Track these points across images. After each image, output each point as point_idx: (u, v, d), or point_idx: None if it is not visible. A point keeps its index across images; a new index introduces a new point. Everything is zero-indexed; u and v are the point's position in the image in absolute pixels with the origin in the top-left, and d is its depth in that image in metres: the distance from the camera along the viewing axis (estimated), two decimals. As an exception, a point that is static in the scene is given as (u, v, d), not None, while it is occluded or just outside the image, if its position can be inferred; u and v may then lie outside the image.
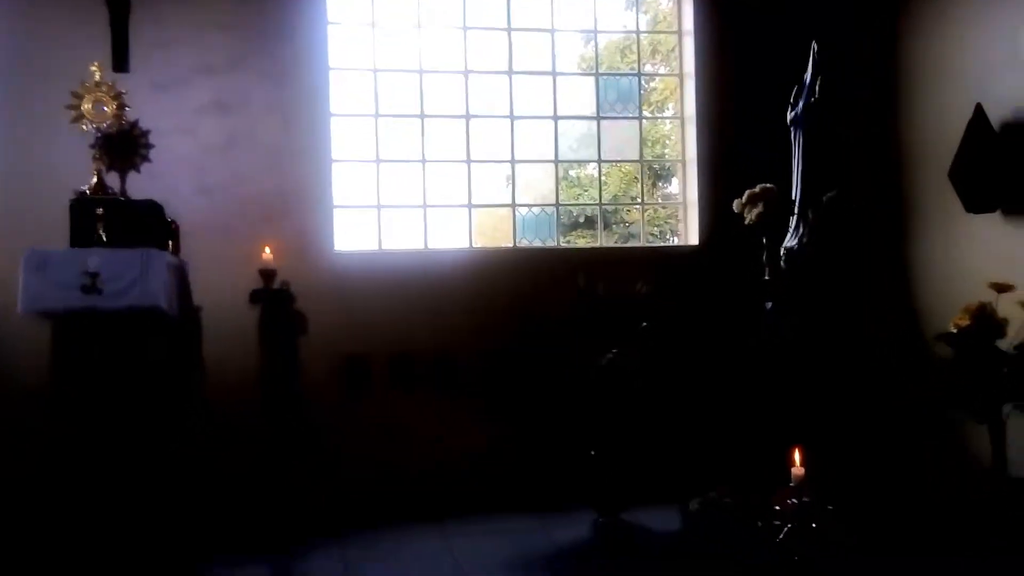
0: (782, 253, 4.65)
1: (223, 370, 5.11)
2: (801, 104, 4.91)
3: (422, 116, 5.65)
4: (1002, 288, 4.54)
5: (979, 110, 4.82)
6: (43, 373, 4.82)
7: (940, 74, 5.31)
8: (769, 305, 4.62)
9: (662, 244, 5.94)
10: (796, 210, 4.74)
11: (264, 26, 5.34)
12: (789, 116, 4.97)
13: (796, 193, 4.82)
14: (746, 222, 4.76)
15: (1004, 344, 4.51)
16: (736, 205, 4.80)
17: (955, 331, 4.61)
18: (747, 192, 4.77)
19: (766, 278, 4.62)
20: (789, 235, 4.73)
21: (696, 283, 5.55)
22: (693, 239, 5.78)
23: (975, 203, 4.92)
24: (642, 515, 4.53)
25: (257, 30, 5.33)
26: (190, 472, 4.87)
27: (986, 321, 4.51)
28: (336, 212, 5.45)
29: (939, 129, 5.22)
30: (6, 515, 4.75)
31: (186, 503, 4.73)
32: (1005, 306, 4.50)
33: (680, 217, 5.93)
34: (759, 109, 5.45)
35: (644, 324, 4.64)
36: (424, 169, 5.64)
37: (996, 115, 4.79)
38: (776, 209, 4.68)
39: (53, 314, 4.79)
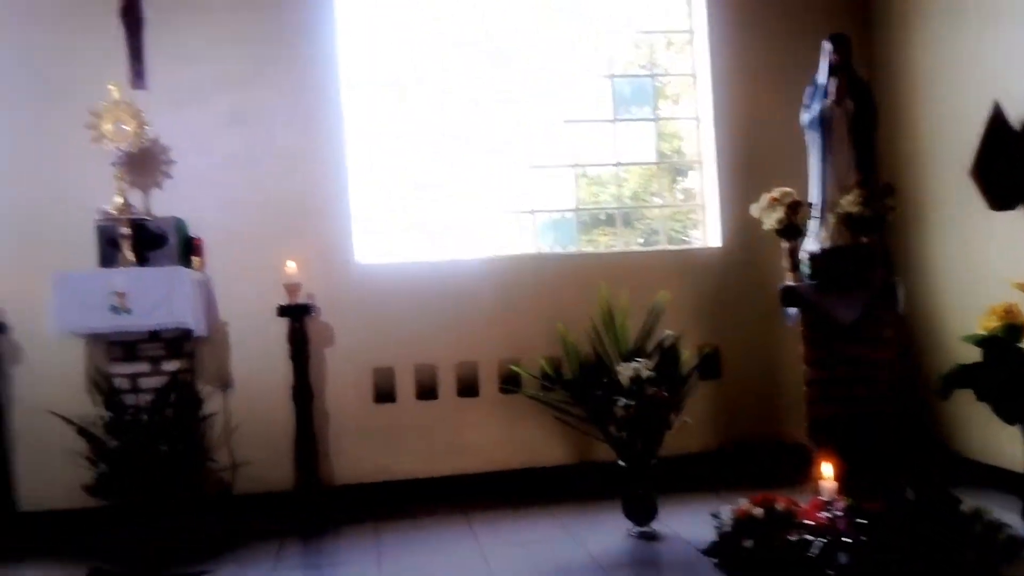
0: (804, 258, 4.67)
1: (252, 384, 5.19)
2: (816, 106, 4.89)
3: (439, 124, 5.66)
4: (1027, 288, 4.55)
5: (997, 108, 4.82)
6: (76, 392, 4.94)
7: (956, 72, 5.28)
8: (793, 311, 4.65)
9: (685, 247, 5.93)
10: (816, 213, 4.74)
11: (280, 37, 5.32)
12: (804, 118, 4.95)
13: (815, 196, 4.82)
14: (765, 227, 4.76)
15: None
16: (754, 209, 4.81)
17: (984, 333, 4.62)
18: (765, 196, 4.78)
19: (788, 283, 4.64)
20: (810, 239, 4.74)
21: (719, 286, 5.63)
22: (715, 241, 5.80)
23: (997, 200, 4.93)
24: (675, 524, 4.58)
25: (273, 41, 5.32)
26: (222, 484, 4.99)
27: (1013, 323, 4.52)
28: (358, 223, 5.47)
29: (957, 127, 5.21)
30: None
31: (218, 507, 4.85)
32: (1029, 306, 4.51)
33: (700, 218, 5.95)
34: (774, 109, 5.48)
35: (667, 333, 4.68)
36: (442, 178, 5.67)
37: (1015, 112, 4.78)
38: (795, 214, 4.69)
39: (84, 334, 4.91)
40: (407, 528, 4.87)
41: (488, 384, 5.47)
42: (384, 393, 5.38)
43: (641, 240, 5.98)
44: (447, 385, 5.44)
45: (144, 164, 5.13)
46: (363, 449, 5.32)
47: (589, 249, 5.87)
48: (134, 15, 5.18)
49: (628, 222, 5.96)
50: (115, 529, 4.52)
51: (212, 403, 5.05)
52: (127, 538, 4.49)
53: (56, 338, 4.79)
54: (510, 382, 5.37)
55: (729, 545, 3.94)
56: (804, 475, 4.38)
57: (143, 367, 4.87)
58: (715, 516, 4.14)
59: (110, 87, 4.93)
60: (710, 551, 4.09)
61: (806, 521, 3.71)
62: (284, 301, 5.07)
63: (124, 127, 4.95)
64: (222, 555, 4.49)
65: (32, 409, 4.95)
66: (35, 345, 5.01)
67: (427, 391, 5.42)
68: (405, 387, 5.40)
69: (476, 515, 5.02)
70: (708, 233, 5.87)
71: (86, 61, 5.13)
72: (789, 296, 4.64)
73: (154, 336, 4.82)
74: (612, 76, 5.90)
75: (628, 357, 4.61)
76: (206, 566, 4.33)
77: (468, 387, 5.45)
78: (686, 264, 5.68)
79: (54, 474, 4.87)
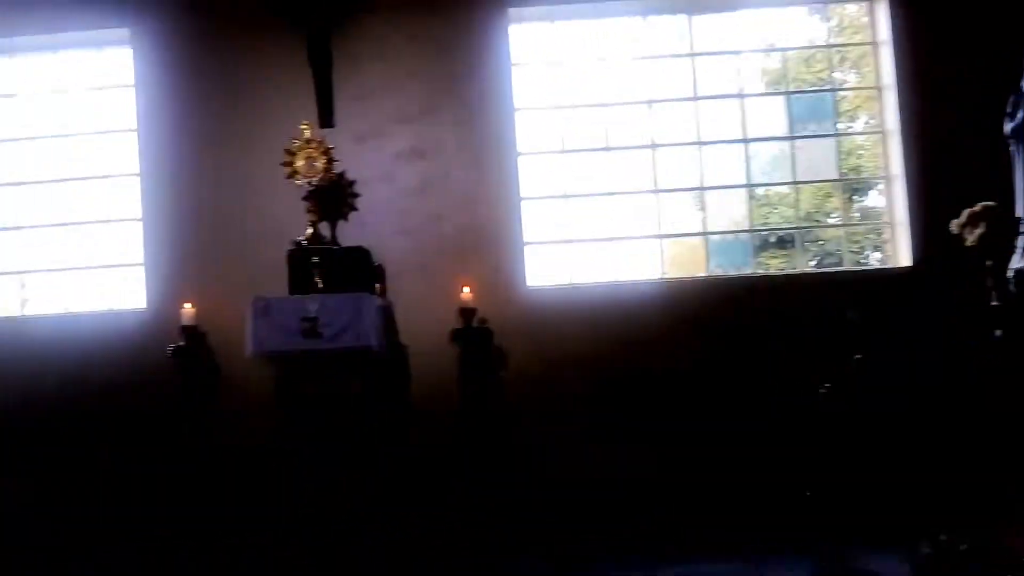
0: (1011, 276, 4.29)
1: (430, 404, 5.33)
2: (1021, 114, 4.52)
3: (607, 149, 5.69)
4: None
5: None
6: (268, 409, 5.25)
7: None
8: (998, 334, 4.27)
9: (869, 267, 5.66)
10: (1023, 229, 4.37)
11: (454, 72, 5.55)
12: (1008, 127, 4.58)
13: (1021, 210, 4.44)
14: (967, 243, 4.43)
15: None
16: (954, 225, 4.47)
17: None
18: (966, 211, 4.44)
19: (993, 304, 4.28)
20: (1017, 256, 4.36)
21: (910, 308, 5.26)
22: (904, 260, 5.46)
23: None
24: (867, 560, 4.28)
25: (448, 77, 5.55)
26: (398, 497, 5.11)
27: None
28: (528, 248, 5.56)
29: None
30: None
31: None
32: None
33: (888, 237, 5.63)
34: (970, 119, 5.12)
35: (856, 356, 4.43)
36: (610, 201, 5.68)
37: None
38: (1001, 229, 4.33)
39: (277, 356, 5.21)
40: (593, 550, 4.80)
41: (659, 407, 5.34)
42: (553, 415, 5.38)
43: (813, 263, 5.73)
44: (616, 408, 5.37)
45: (332, 197, 5.40)
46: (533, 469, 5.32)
47: (762, 271, 5.68)
48: (321, 57, 5.53)
49: (799, 244, 5.73)
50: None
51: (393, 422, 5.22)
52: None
53: (252, 359, 5.11)
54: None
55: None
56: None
57: (330, 387, 5.12)
58: (917, 551, 3.85)
59: (302, 126, 5.25)
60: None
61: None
62: (459, 325, 5.19)
63: (314, 163, 5.25)
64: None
65: (229, 423, 5.30)
66: (232, 366, 5.37)
67: (598, 413, 5.37)
68: (575, 409, 5.38)
69: (648, 541, 4.88)
70: (898, 252, 5.55)
71: (279, 102, 5.52)
72: (995, 317, 4.28)
73: (341, 358, 5.04)
74: (788, 92, 5.73)
75: (818, 379, 4.39)
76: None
77: (641, 410, 5.36)
78: (871, 285, 5.38)
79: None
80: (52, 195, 5.75)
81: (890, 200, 5.59)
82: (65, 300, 5.70)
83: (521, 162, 5.58)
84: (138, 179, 5.58)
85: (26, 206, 5.73)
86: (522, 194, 5.55)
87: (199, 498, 5.25)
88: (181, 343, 5.23)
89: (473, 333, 5.20)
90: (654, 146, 5.68)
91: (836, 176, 5.74)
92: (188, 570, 4.80)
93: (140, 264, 5.63)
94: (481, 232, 5.47)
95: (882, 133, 5.63)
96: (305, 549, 4.69)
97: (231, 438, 5.26)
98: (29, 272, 5.75)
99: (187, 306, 5.25)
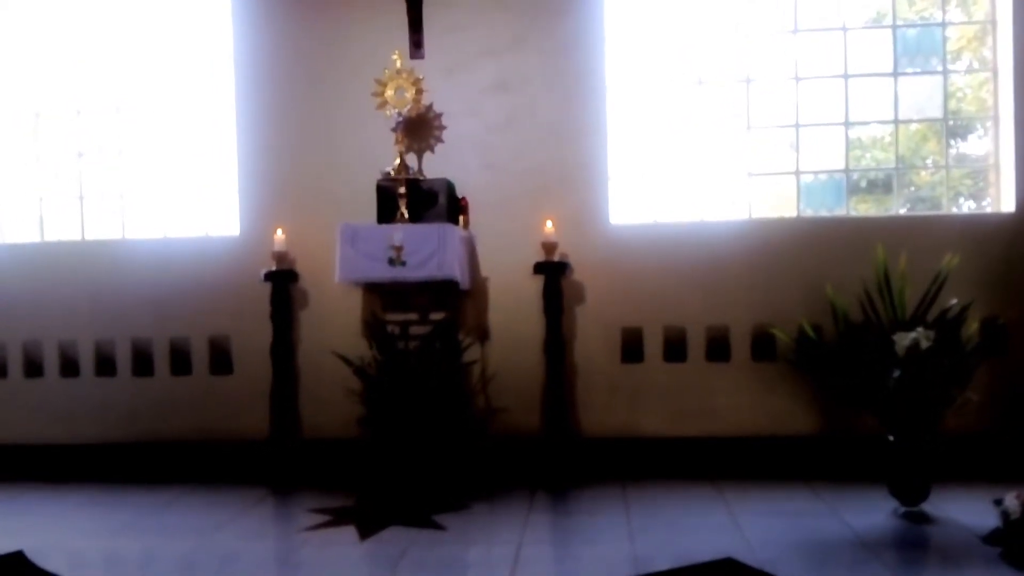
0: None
1: (508, 336, 5.42)
2: None
3: (700, 83, 5.55)
4: None
5: None
6: (353, 336, 5.43)
7: None
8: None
9: (971, 212, 5.43)
10: None
11: (543, 2, 5.45)
12: None
13: None
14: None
15: None
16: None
17: None
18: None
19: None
20: None
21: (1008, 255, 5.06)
22: (1008, 206, 5.21)
23: None
24: (948, 507, 4.22)
25: (537, 7, 5.45)
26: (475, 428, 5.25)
27: None
28: (613, 184, 5.51)
29: None
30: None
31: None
32: None
33: (992, 180, 5.37)
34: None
35: (953, 302, 4.29)
36: (700, 138, 5.55)
37: None
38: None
39: (362, 283, 5.36)
40: (653, 486, 4.89)
41: (739, 348, 5.34)
42: (632, 352, 5.41)
43: (903, 210, 5.51)
44: (696, 348, 5.37)
45: (419, 129, 5.48)
46: (610, 405, 5.40)
47: (855, 213, 5.50)
48: (415, -13, 5.49)
49: (889, 188, 5.51)
50: (383, 461, 4.93)
51: (472, 352, 5.34)
52: (393, 470, 4.89)
53: (338, 286, 5.27)
54: (765, 346, 5.20)
55: (1018, 534, 3.59)
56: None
57: (413, 316, 5.28)
58: (998, 503, 3.79)
59: (394, 56, 5.28)
60: (992, 539, 3.75)
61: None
62: (540, 259, 5.22)
63: (404, 93, 5.29)
64: (478, 495, 4.76)
65: (315, 349, 5.51)
66: (320, 292, 5.55)
67: (675, 353, 5.38)
68: (653, 348, 5.40)
69: (724, 480, 4.94)
70: (1001, 197, 5.29)
71: (372, 33, 5.52)
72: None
73: (424, 287, 5.16)
74: (895, 26, 5.43)
75: (904, 326, 4.29)
76: (464, 503, 4.61)
77: (718, 350, 5.35)
78: (971, 231, 5.17)
79: (332, 407, 5.39)
80: (150, 122, 5.95)
81: (996, 143, 5.32)
82: (161, 225, 5.93)
83: (609, 96, 5.48)
84: (233, 107, 5.70)
85: (125, 132, 5.95)
86: (609, 129, 5.47)
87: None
88: (273, 268, 5.41)
89: (555, 266, 5.22)
90: (748, 80, 5.51)
91: (940, 117, 5.46)
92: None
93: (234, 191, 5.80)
94: (567, 167, 5.43)
95: (992, 72, 5.33)
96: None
97: (318, 363, 5.45)
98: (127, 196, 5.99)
99: (279, 232, 5.41)
